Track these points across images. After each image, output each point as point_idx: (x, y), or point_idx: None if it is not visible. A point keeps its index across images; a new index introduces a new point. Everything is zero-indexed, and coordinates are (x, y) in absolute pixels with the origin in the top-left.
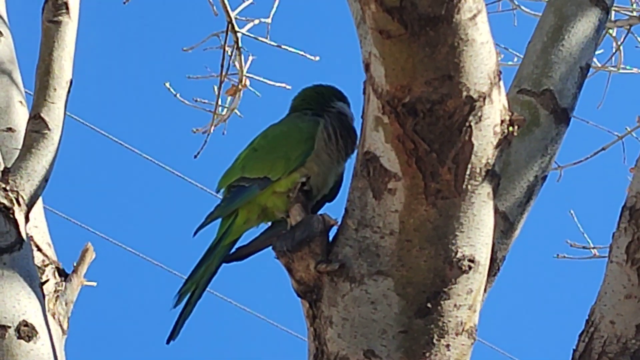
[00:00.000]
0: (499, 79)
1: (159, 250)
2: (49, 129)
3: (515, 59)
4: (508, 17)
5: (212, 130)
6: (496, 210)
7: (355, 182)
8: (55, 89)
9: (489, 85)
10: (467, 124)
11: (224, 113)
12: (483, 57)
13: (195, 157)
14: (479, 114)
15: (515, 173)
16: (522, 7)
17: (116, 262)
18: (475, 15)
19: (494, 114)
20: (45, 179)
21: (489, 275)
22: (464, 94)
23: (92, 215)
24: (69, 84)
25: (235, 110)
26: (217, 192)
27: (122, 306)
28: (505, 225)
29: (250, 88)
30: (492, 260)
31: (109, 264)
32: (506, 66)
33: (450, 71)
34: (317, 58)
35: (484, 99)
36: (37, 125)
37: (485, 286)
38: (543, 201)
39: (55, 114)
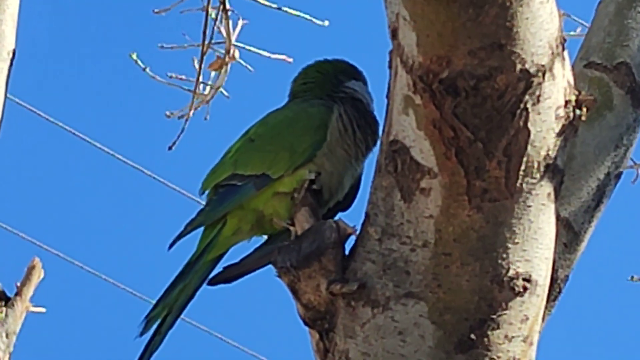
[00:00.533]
0: (563, 48)
1: (122, 269)
2: None
3: (580, 29)
4: None
5: (191, 115)
6: (558, 216)
7: (378, 179)
8: None
9: (550, 56)
10: (522, 105)
11: (206, 92)
12: (543, 20)
13: (170, 148)
14: (537, 92)
15: (582, 169)
16: None
17: (70, 282)
18: None
19: (556, 92)
20: None
21: (548, 299)
22: (519, 67)
23: (40, 226)
24: (11, 55)
25: (221, 89)
26: (201, 194)
27: (77, 337)
28: (568, 235)
29: (240, 61)
30: (552, 280)
31: (60, 285)
32: (568, 37)
33: (501, 38)
34: (327, 23)
35: (544, 73)
36: None
37: (544, 313)
38: (616, 207)
39: None
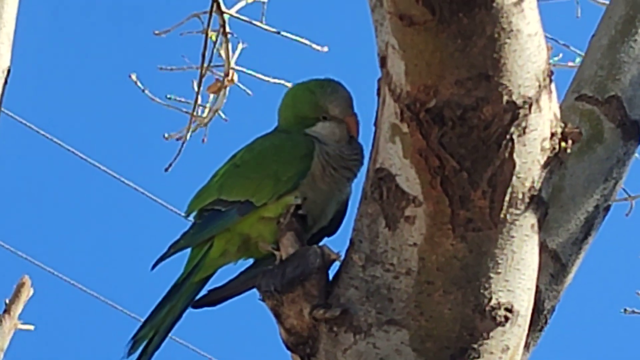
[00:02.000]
0: (550, 81)
1: (112, 287)
2: None
3: (578, 60)
4: (570, 6)
5: (188, 137)
6: (544, 247)
7: (364, 206)
8: None
9: (537, 88)
10: (508, 136)
11: (204, 115)
12: (530, 53)
13: (166, 170)
14: (524, 124)
15: (570, 201)
16: None
17: (59, 300)
18: (521, 0)
19: (543, 124)
20: None
21: (532, 329)
22: (505, 98)
23: (32, 242)
24: (5, 72)
25: (219, 112)
26: (187, 216)
27: (66, 355)
28: (555, 267)
29: (239, 84)
30: (537, 311)
31: (50, 303)
32: (565, 67)
33: (488, 69)
34: (326, 49)
35: (530, 105)
36: None
37: (527, 343)
38: (605, 239)
39: None
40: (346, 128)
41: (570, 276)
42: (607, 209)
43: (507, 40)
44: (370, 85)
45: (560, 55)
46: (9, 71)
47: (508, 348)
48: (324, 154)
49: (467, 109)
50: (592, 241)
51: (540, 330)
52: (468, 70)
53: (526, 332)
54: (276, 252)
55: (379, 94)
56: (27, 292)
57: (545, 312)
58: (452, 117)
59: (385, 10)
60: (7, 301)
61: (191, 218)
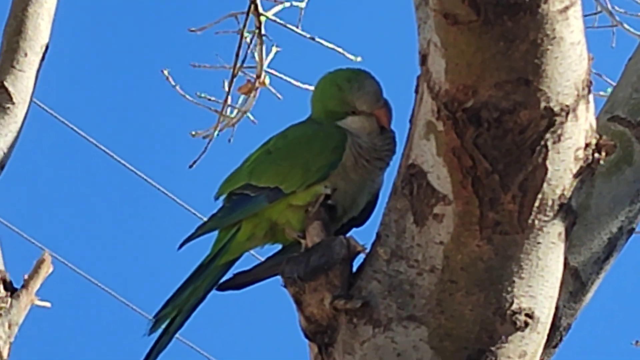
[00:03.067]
0: (589, 91)
1: (135, 285)
2: (12, 103)
3: (609, 90)
4: (606, 35)
5: (215, 135)
6: (566, 264)
7: (393, 201)
8: (26, 54)
9: (576, 97)
10: (543, 142)
11: (233, 115)
12: (572, 62)
13: (191, 167)
14: (559, 131)
15: (595, 221)
16: (625, 25)
17: (76, 287)
18: (567, 8)
19: (578, 134)
20: (1, 165)
21: (547, 345)
22: (543, 104)
23: (51, 233)
24: (44, 49)
25: (248, 114)
26: (216, 199)
27: (80, 334)
28: (575, 285)
29: (270, 87)
30: (554, 327)
31: (67, 288)
32: (597, 97)
33: (529, 74)
34: (359, 59)
35: (567, 113)
36: None
37: (542, 358)
38: (625, 264)
39: (22, 85)
40: (376, 121)
41: (589, 295)
42: (631, 231)
43: (550, 47)
44: (400, 100)
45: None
46: (47, 47)
47: (525, 354)
48: (356, 146)
49: (504, 112)
50: (613, 262)
51: (555, 347)
52: (508, 73)
53: (544, 339)
54: (302, 240)
55: (416, 91)
56: (47, 269)
57: (561, 328)
58: (488, 119)
59: (430, 8)
60: (26, 276)
61: (220, 201)
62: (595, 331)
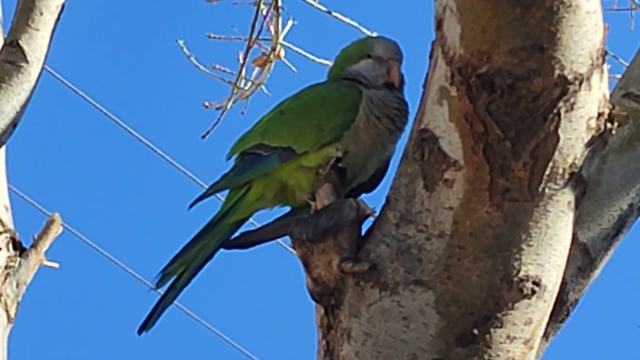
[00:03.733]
0: (603, 61)
1: (140, 252)
2: (27, 62)
3: None
4: (624, 18)
5: (229, 107)
6: (575, 240)
7: (404, 165)
8: (41, 13)
9: (590, 66)
10: (555, 110)
11: (247, 87)
12: (587, 30)
13: (203, 137)
14: (572, 100)
15: (606, 197)
16: None
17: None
18: None
19: (591, 103)
20: (14, 124)
21: (553, 319)
22: (557, 72)
23: (59, 199)
24: (59, 8)
25: (262, 87)
26: (228, 159)
27: (86, 297)
28: (584, 260)
29: (285, 60)
30: (561, 302)
31: (74, 256)
32: (613, 79)
33: (543, 41)
34: (375, 34)
35: (581, 82)
36: (12, 55)
37: (547, 333)
38: (635, 242)
39: (37, 44)
40: (386, 69)
41: (597, 271)
42: None
43: (565, 15)
44: (414, 77)
45: (609, 66)
46: (62, 7)
47: (531, 321)
48: (368, 102)
49: (517, 79)
50: (622, 239)
51: (562, 322)
52: (523, 40)
53: (551, 308)
54: (312, 202)
55: (431, 57)
56: (57, 229)
57: (568, 303)
58: (501, 85)
59: None
60: (36, 236)
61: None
62: (602, 313)
